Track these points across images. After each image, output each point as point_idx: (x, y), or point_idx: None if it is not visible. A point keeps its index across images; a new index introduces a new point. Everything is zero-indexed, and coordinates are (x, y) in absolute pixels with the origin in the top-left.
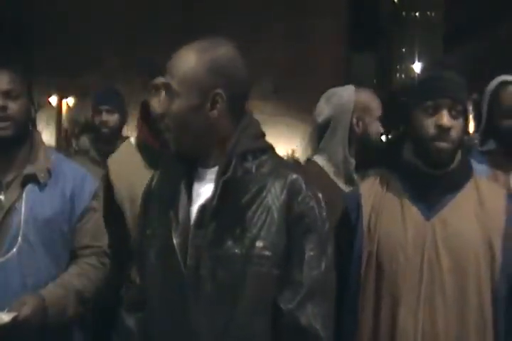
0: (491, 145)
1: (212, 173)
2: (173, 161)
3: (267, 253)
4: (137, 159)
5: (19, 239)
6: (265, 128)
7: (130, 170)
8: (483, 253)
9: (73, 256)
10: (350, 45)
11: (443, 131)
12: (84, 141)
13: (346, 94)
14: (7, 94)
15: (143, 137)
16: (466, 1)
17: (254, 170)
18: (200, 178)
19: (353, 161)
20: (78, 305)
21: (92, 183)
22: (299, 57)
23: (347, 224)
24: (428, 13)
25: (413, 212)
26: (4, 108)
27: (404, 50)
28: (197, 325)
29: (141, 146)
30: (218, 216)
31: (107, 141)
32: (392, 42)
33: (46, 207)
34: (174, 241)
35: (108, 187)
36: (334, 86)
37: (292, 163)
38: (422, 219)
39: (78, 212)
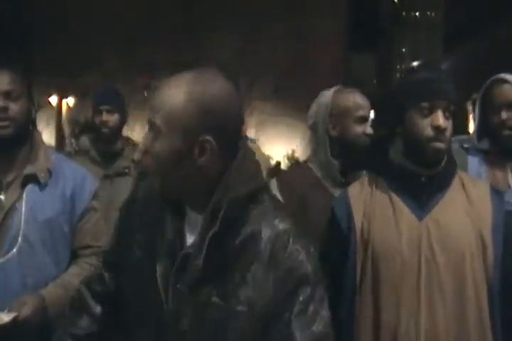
0: (485, 143)
1: (199, 217)
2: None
3: (245, 308)
4: None
5: (19, 239)
6: (265, 128)
7: None
8: (476, 249)
9: (73, 256)
10: (350, 45)
11: (440, 131)
12: (84, 140)
13: (325, 96)
14: (7, 95)
15: None
16: (466, 1)
17: (243, 216)
18: (188, 217)
19: (335, 163)
20: None
21: (92, 183)
22: (299, 57)
23: (338, 234)
24: (428, 13)
25: (405, 213)
26: (5, 109)
27: (404, 50)
28: None
29: None
30: (203, 267)
31: (107, 141)
32: (392, 42)
33: (46, 207)
34: (157, 271)
35: None
36: (334, 86)
37: (283, 210)
38: (415, 220)
39: (78, 212)
